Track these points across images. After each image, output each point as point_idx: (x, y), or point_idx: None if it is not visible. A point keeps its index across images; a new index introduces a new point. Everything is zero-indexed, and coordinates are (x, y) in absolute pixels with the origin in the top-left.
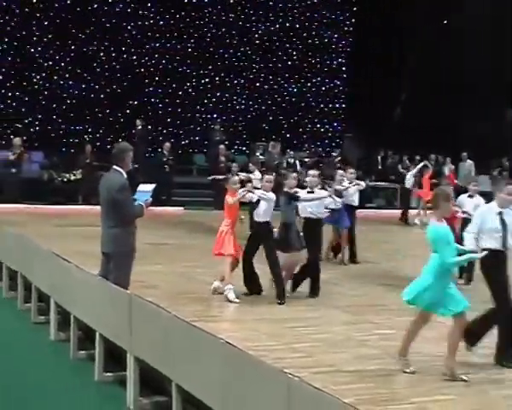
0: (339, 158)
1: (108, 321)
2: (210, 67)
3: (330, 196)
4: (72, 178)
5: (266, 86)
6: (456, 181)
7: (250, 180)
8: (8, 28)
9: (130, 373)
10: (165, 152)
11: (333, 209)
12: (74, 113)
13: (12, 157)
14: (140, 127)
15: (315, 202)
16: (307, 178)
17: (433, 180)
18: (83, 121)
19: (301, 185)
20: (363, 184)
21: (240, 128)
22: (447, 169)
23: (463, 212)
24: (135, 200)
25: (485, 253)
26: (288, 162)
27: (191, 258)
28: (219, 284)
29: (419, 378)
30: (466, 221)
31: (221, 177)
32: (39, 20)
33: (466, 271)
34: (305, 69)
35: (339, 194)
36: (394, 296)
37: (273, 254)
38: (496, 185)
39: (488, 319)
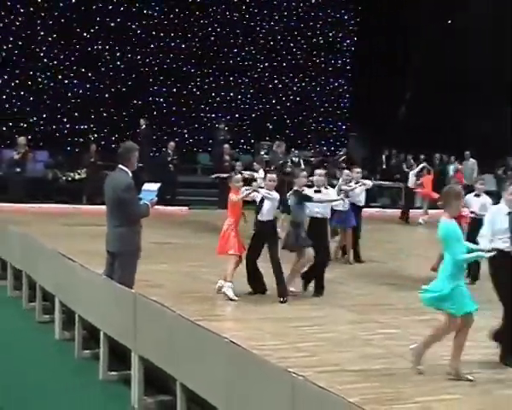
0: (343, 157)
1: (113, 320)
2: (214, 67)
3: (342, 199)
4: (77, 177)
5: (271, 85)
6: (464, 180)
7: (254, 179)
8: (13, 28)
9: (135, 372)
10: (169, 151)
11: (340, 210)
12: (79, 112)
13: (16, 156)
14: (144, 127)
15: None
16: (314, 178)
17: (440, 178)
18: (87, 120)
19: (307, 184)
20: (369, 183)
21: (244, 127)
22: (452, 168)
23: (471, 212)
24: (140, 199)
25: (494, 252)
26: (292, 161)
27: (196, 257)
28: (224, 282)
29: (424, 378)
30: (474, 221)
31: (225, 175)
32: (44, 20)
33: (472, 270)
34: (310, 68)
35: (345, 194)
36: (399, 296)
37: (276, 253)
38: (501, 186)
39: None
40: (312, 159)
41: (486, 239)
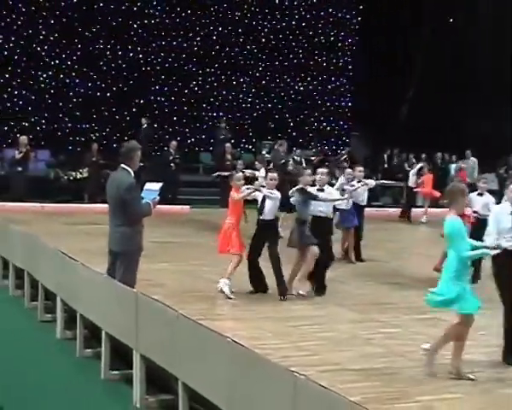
0: (344, 157)
1: (115, 319)
2: (216, 66)
3: (347, 198)
4: (79, 176)
5: (272, 84)
6: (467, 179)
7: (255, 177)
8: (15, 27)
9: (137, 371)
10: (171, 150)
11: (342, 209)
12: (80, 111)
13: (18, 155)
14: (145, 126)
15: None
16: (317, 177)
17: (441, 176)
18: (89, 120)
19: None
20: (372, 183)
21: (246, 126)
22: (454, 167)
23: (474, 212)
24: (142, 198)
25: (499, 249)
26: (294, 160)
27: (197, 256)
28: (228, 282)
29: (425, 377)
30: (477, 221)
31: (226, 173)
32: (45, 19)
33: (474, 269)
34: (312, 67)
35: (349, 194)
36: (400, 295)
37: (276, 252)
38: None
39: None
40: (313, 158)
41: (492, 237)
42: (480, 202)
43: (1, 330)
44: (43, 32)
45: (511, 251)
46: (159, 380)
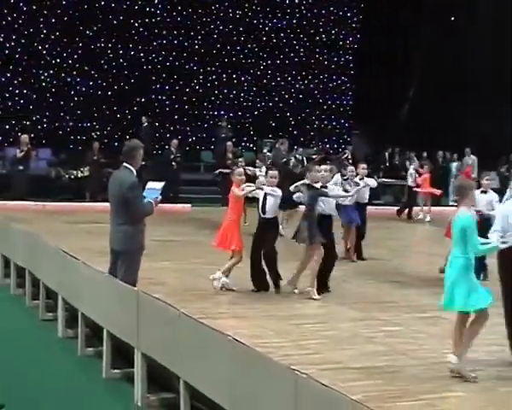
0: (345, 155)
1: (116, 318)
2: (217, 64)
3: (354, 194)
4: (80, 175)
5: (273, 83)
6: (473, 175)
7: (255, 176)
8: (16, 25)
9: (138, 370)
10: (172, 149)
11: (344, 208)
12: (82, 110)
13: (19, 154)
14: (146, 124)
15: (329, 199)
16: (319, 174)
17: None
18: (90, 118)
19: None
20: (373, 183)
21: (247, 125)
22: (455, 166)
23: (477, 211)
24: (144, 197)
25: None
26: (296, 158)
27: (199, 255)
28: (226, 279)
29: (427, 375)
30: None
31: (227, 171)
32: (47, 18)
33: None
34: (313, 66)
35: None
36: (401, 293)
37: (272, 250)
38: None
39: None
40: (315, 156)
41: (497, 235)
42: (483, 199)
43: (2, 328)
44: (45, 31)
45: None
46: (160, 379)
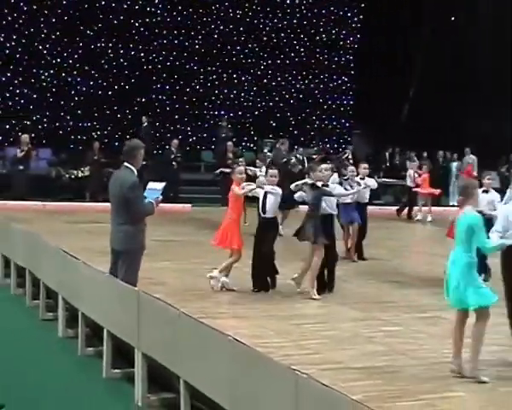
0: (345, 155)
1: (116, 318)
2: (217, 64)
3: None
4: (80, 175)
5: (274, 83)
6: (474, 173)
7: (255, 176)
8: (16, 25)
9: (138, 370)
10: (172, 149)
11: (344, 207)
12: (82, 110)
13: (20, 154)
14: (146, 124)
15: (330, 198)
16: (319, 173)
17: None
18: (91, 118)
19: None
20: (373, 184)
21: (247, 125)
22: (455, 165)
23: (478, 211)
24: (145, 198)
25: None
26: (297, 158)
27: (199, 255)
28: (226, 279)
29: (427, 375)
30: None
31: (228, 170)
32: (47, 17)
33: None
34: (313, 66)
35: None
36: (401, 293)
37: (270, 249)
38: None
39: None
40: (315, 156)
41: (496, 235)
42: (485, 199)
43: (2, 328)
44: (45, 31)
45: None
46: (160, 378)
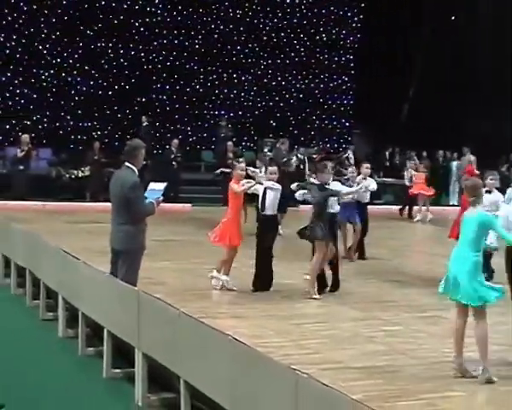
0: (346, 155)
1: (116, 318)
2: (217, 64)
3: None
4: (80, 174)
5: (274, 83)
6: (476, 172)
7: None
8: (16, 25)
9: (139, 370)
10: (173, 149)
11: (345, 206)
12: (82, 109)
13: (20, 154)
14: (146, 124)
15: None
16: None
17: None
18: (91, 118)
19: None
20: (373, 187)
21: (247, 125)
22: (455, 165)
23: None
24: (145, 198)
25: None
26: (298, 158)
27: (199, 254)
28: (227, 277)
29: (427, 375)
30: None
31: (228, 170)
32: (47, 17)
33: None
34: (313, 65)
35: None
36: (402, 293)
37: (269, 247)
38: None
39: None
40: (315, 156)
41: (493, 234)
42: (488, 199)
43: (2, 328)
44: (45, 31)
45: None
46: (160, 378)
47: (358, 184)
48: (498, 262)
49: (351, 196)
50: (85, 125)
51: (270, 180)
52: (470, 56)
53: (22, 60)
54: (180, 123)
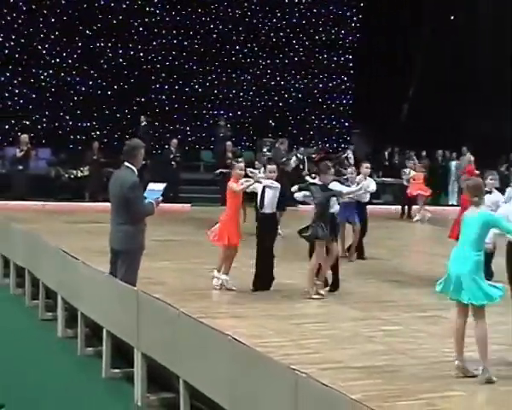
0: (345, 155)
1: (116, 318)
2: (216, 64)
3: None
4: (80, 174)
5: (273, 82)
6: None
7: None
8: (15, 25)
9: (138, 370)
10: (172, 149)
11: (345, 206)
12: (81, 109)
13: (19, 154)
14: (144, 124)
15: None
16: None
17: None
18: (90, 118)
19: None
20: (372, 188)
21: (246, 124)
22: (454, 164)
23: None
24: (145, 198)
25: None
26: (298, 158)
27: (198, 254)
28: (226, 277)
29: (427, 374)
30: None
31: (228, 170)
32: (46, 17)
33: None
34: (312, 65)
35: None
36: (401, 292)
37: (270, 246)
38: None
39: None
40: (314, 156)
41: (492, 231)
42: (489, 200)
43: (1, 328)
44: (44, 31)
45: None
46: (160, 378)
47: (358, 183)
48: (498, 262)
49: (351, 195)
50: (84, 125)
51: (269, 179)
52: (470, 56)
53: (21, 60)
54: (179, 123)
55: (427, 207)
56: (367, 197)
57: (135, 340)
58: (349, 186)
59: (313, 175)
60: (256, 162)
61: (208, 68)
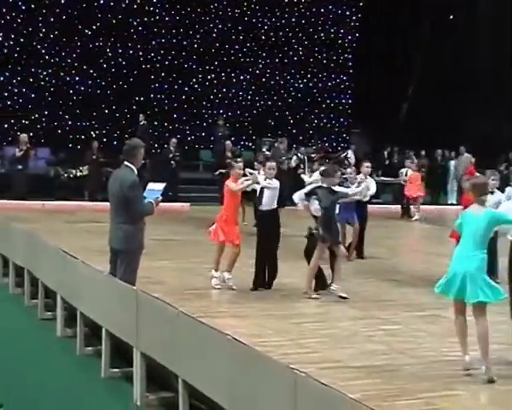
0: (344, 154)
1: (115, 317)
2: (216, 63)
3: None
4: (79, 174)
5: (272, 82)
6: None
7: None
8: (15, 25)
9: (137, 369)
10: (171, 148)
11: (345, 206)
12: (81, 109)
13: (18, 153)
14: (143, 123)
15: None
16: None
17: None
18: (89, 117)
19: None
20: (372, 189)
21: (246, 124)
22: (453, 164)
23: None
24: (144, 198)
25: None
26: (298, 157)
27: (198, 254)
28: (229, 275)
29: (426, 374)
30: None
31: (225, 170)
32: (45, 17)
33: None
34: (312, 64)
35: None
36: (400, 292)
37: (273, 245)
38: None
39: None
40: (314, 155)
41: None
42: (490, 200)
43: (1, 328)
44: (43, 30)
45: None
46: (159, 378)
47: (359, 183)
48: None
49: (357, 196)
50: (84, 124)
51: (268, 175)
52: (470, 56)
53: (20, 59)
54: (178, 122)
55: (421, 207)
56: (367, 197)
57: (134, 339)
58: (348, 187)
59: (310, 174)
60: (255, 163)
61: (207, 68)
